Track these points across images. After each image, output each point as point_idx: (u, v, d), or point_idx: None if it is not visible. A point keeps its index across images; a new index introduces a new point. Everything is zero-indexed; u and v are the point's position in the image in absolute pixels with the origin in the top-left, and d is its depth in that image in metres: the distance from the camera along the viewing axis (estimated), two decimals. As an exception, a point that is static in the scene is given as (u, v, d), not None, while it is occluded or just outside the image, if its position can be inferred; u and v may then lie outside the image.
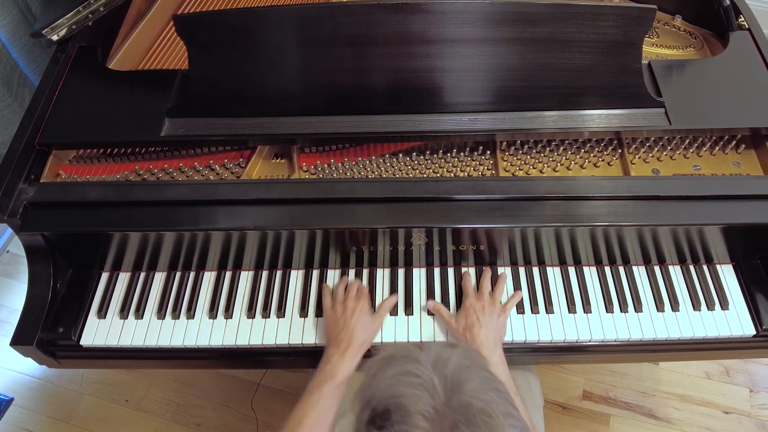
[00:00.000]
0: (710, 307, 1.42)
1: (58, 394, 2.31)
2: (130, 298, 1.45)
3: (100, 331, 1.41)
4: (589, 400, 2.23)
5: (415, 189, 1.33)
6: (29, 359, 1.41)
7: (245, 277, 1.48)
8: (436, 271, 1.47)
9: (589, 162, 1.47)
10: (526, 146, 1.49)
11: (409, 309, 1.42)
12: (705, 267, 1.47)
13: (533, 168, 1.46)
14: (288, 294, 1.45)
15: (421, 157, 1.48)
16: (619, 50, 1.37)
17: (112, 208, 1.35)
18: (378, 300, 1.43)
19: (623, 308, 1.41)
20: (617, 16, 1.34)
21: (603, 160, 1.47)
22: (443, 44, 1.36)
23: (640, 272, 1.47)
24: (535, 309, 1.41)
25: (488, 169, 1.46)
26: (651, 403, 2.21)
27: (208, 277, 1.48)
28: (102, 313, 1.43)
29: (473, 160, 1.47)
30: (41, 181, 1.40)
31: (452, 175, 1.45)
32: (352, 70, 1.39)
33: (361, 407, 0.89)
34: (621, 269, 1.47)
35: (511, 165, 1.46)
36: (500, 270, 1.46)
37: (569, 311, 1.41)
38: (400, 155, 1.48)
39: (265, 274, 1.48)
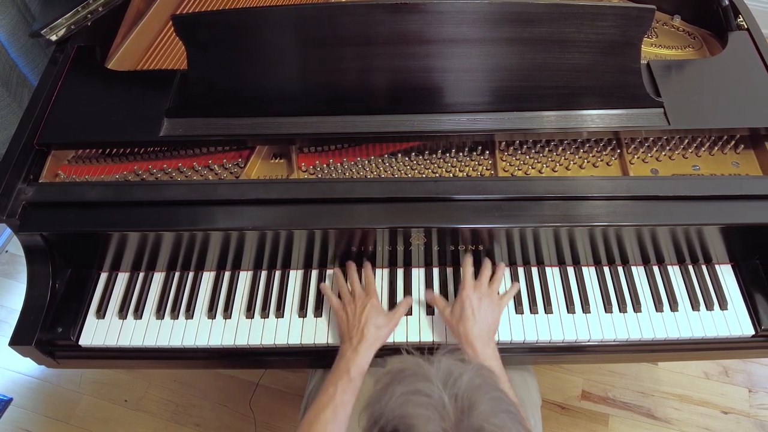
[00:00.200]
0: (709, 307, 1.42)
1: (57, 394, 2.31)
2: (129, 298, 1.45)
3: (98, 331, 1.41)
4: (587, 400, 2.23)
5: (413, 189, 1.33)
6: (28, 359, 1.41)
7: (244, 277, 1.48)
8: (435, 271, 1.47)
9: (588, 162, 1.47)
10: (525, 146, 1.49)
11: (408, 309, 1.42)
12: (704, 267, 1.47)
13: (532, 168, 1.46)
14: (287, 294, 1.45)
15: (420, 157, 1.48)
16: (618, 50, 1.37)
17: (111, 208, 1.35)
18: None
19: (622, 308, 1.41)
20: (616, 16, 1.34)
21: (602, 160, 1.47)
22: (442, 44, 1.36)
23: (639, 272, 1.47)
24: (533, 309, 1.41)
25: (487, 169, 1.46)
26: (650, 403, 2.21)
27: (207, 277, 1.48)
28: (101, 313, 1.43)
29: (472, 160, 1.47)
30: (40, 181, 1.40)
31: (451, 175, 1.45)
32: (350, 70, 1.39)
33: (368, 424, 0.88)
34: (620, 269, 1.47)
35: (510, 165, 1.46)
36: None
37: (568, 311, 1.41)
38: (399, 155, 1.48)
39: (264, 274, 1.48)
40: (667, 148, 1.48)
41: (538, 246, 1.41)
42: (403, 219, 1.32)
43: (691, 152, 1.49)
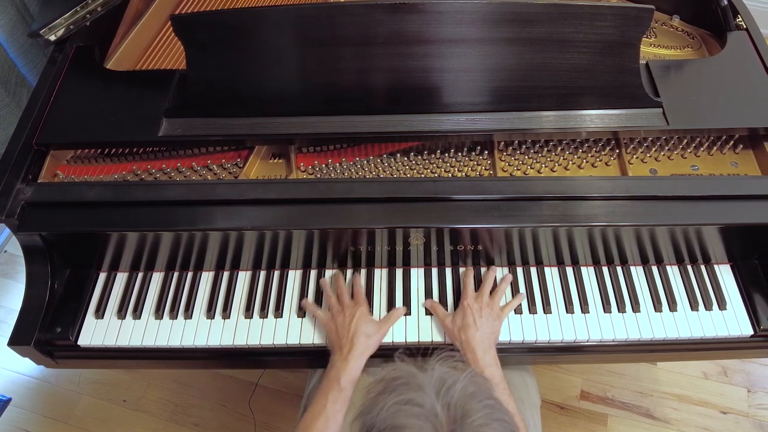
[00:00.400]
0: (708, 307, 1.42)
1: (55, 394, 2.31)
2: (128, 298, 1.45)
3: (97, 331, 1.41)
4: (586, 400, 2.23)
5: (412, 189, 1.33)
6: (27, 359, 1.41)
7: (243, 277, 1.48)
8: (434, 271, 1.47)
9: (586, 162, 1.47)
10: (524, 146, 1.49)
11: (407, 309, 1.41)
12: (703, 267, 1.47)
13: (531, 168, 1.46)
14: (285, 294, 1.45)
15: (419, 157, 1.48)
16: (617, 50, 1.37)
17: (109, 208, 1.35)
18: (376, 301, 1.43)
19: (621, 308, 1.41)
20: (615, 16, 1.34)
21: (601, 160, 1.47)
22: (441, 44, 1.36)
23: (637, 272, 1.47)
24: (532, 309, 1.41)
25: (486, 169, 1.46)
26: (649, 403, 2.21)
27: (206, 277, 1.48)
28: (100, 313, 1.43)
29: (471, 160, 1.47)
30: (39, 181, 1.40)
31: (450, 175, 1.45)
32: (350, 70, 1.39)
33: None
34: (619, 269, 1.47)
35: (509, 165, 1.46)
36: (498, 270, 1.46)
37: (567, 311, 1.41)
38: (398, 155, 1.48)
39: (262, 274, 1.48)
40: (666, 148, 1.48)
41: (537, 246, 1.41)
42: (402, 219, 1.32)
43: (690, 152, 1.49)
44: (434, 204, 1.33)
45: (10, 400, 2.29)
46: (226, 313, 1.43)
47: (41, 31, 1.52)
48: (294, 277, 1.48)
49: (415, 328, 1.40)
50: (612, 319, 1.40)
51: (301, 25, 1.35)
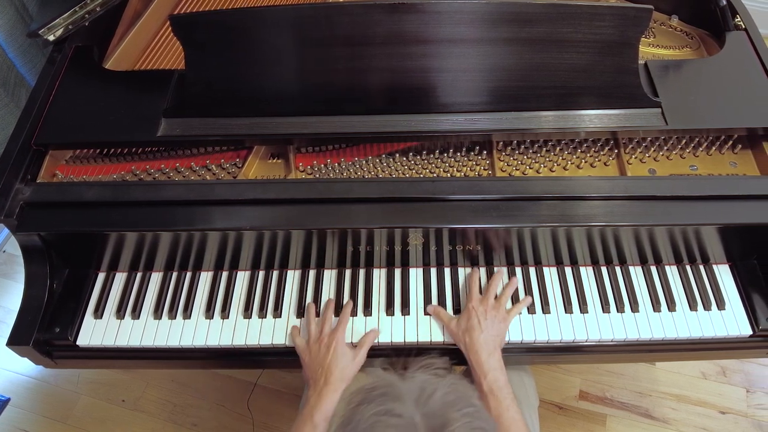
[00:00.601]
0: (707, 307, 1.42)
1: (54, 394, 2.31)
2: (127, 298, 1.45)
3: (96, 331, 1.41)
4: (585, 400, 2.23)
5: (411, 189, 1.33)
6: (26, 359, 1.41)
7: (242, 277, 1.48)
8: (433, 271, 1.47)
9: (585, 162, 1.47)
10: (523, 146, 1.49)
11: (405, 309, 1.41)
12: (701, 267, 1.47)
13: (530, 168, 1.46)
14: (284, 294, 1.45)
15: (418, 157, 1.48)
16: (616, 50, 1.37)
17: (108, 208, 1.35)
18: (375, 302, 1.43)
19: (620, 308, 1.41)
20: (613, 16, 1.34)
21: (599, 161, 1.47)
22: (439, 44, 1.36)
23: (636, 272, 1.47)
24: (531, 309, 1.41)
25: (485, 170, 1.46)
26: (647, 403, 2.21)
27: (205, 277, 1.48)
28: (98, 313, 1.43)
29: (470, 160, 1.47)
30: (38, 181, 1.40)
31: (449, 175, 1.45)
32: (348, 70, 1.39)
33: None
34: (618, 269, 1.47)
35: (508, 165, 1.46)
36: (496, 270, 1.46)
37: (566, 311, 1.41)
38: (397, 155, 1.48)
39: (261, 274, 1.48)
40: (665, 148, 1.48)
41: (536, 246, 1.41)
42: (400, 219, 1.32)
43: (689, 152, 1.49)
44: (433, 204, 1.33)
45: (8, 400, 2.29)
46: (225, 313, 1.42)
47: (40, 31, 1.52)
48: (293, 277, 1.47)
49: (413, 328, 1.40)
50: (611, 319, 1.40)
51: (299, 25, 1.35)
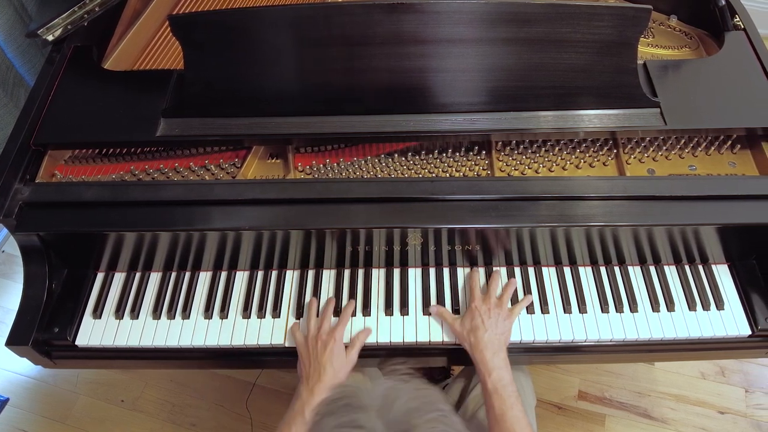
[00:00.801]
0: (706, 307, 1.42)
1: (53, 394, 2.31)
2: (126, 299, 1.45)
3: (95, 331, 1.41)
4: (584, 401, 2.23)
5: (410, 189, 1.33)
6: (25, 359, 1.41)
7: (240, 277, 1.48)
8: (432, 271, 1.47)
9: (584, 162, 1.47)
10: (522, 146, 1.49)
11: (404, 309, 1.41)
12: (700, 267, 1.47)
13: (529, 168, 1.46)
14: (283, 294, 1.45)
15: (417, 157, 1.48)
16: (615, 50, 1.37)
17: (107, 208, 1.35)
18: (374, 302, 1.43)
19: (619, 308, 1.41)
20: (612, 16, 1.34)
21: (598, 161, 1.47)
22: (438, 44, 1.36)
23: (635, 272, 1.47)
24: (530, 309, 1.41)
25: (484, 170, 1.46)
26: (646, 403, 2.21)
27: (204, 277, 1.48)
28: (97, 313, 1.43)
29: (468, 160, 1.47)
30: (37, 182, 1.40)
31: (447, 175, 1.45)
32: (347, 70, 1.39)
33: None
34: (616, 269, 1.47)
35: (507, 165, 1.46)
36: (495, 270, 1.46)
37: (565, 311, 1.41)
38: (396, 155, 1.48)
39: (260, 274, 1.48)
40: (664, 148, 1.48)
41: (535, 246, 1.41)
42: (399, 219, 1.32)
43: (688, 152, 1.49)
44: (432, 204, 1.33)
45: (7, 400, 2.29)
46: (224, 313, 1.42)
47: (39, 31, 1.52)
48: (292, 277, 1.47)
49: (412, 328, 1.40)
50: (610, 319, 1.40)
51: (298, 25, 1.35)
